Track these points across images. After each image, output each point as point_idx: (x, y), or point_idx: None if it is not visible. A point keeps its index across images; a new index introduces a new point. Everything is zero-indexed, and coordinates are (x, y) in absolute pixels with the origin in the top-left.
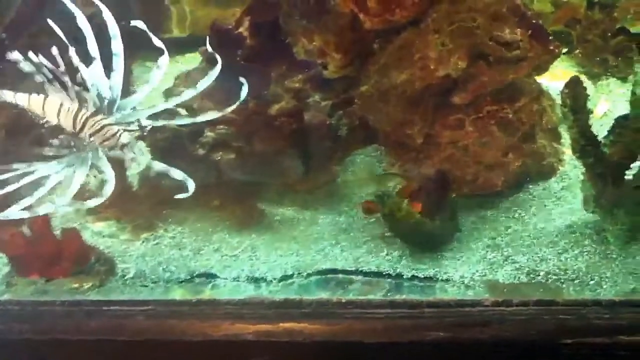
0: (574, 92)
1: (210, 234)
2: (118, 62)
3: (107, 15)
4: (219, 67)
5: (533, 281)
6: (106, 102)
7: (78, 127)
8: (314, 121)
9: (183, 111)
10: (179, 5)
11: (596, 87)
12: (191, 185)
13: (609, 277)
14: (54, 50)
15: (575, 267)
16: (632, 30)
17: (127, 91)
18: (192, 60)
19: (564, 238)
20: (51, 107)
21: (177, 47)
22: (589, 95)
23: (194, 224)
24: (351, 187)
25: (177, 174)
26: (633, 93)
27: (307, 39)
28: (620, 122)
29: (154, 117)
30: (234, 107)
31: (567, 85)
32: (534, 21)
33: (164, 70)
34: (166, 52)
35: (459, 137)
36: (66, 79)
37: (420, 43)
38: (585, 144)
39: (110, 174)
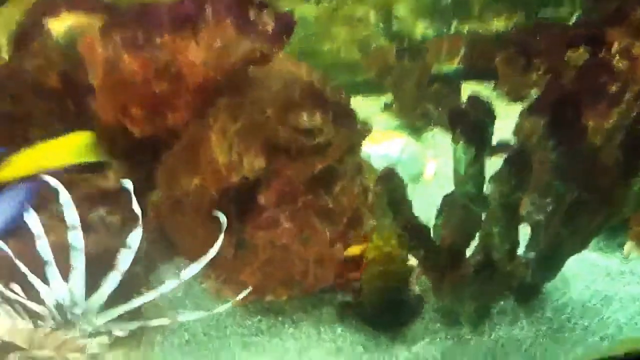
0: (390, 184)
1: None
2: (78, 258)
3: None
4: None
5: None
6: (68, 309)
7: (36, 346)
8: (103, 241)
9: None
10: None
11: (420, 141)
12: None
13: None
14: None
15: (430, 356)
16: (446, 69)
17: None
18: None
19: (417, 324)
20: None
21: None
22: (406, 185)
23: None
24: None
25: None
26: (456, 171)
27: None
28: (447, 201)
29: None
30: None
31: (380, 180)
32: (334, 101)
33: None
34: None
35: (277, 236)
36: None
37: (205, 146)
38: (412, 237)
39: None
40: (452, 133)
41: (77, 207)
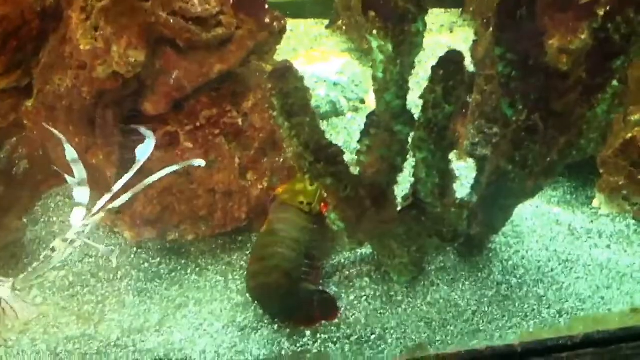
0: (283, 85)
1: None
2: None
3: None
4: None
5: (298, 345)
6: None
7: None
8: None
9: None
10: None
11: (367, 65)
12: None
13: (395, 327)
14: None
15: (352, 319)
16: None
17: None
18: None
19: (336, 278)
20: None
21: None
22: (308, 89)
23: None
24: (48, 241)
25: None
26: (374, 78)
27: None
28: (372, 121)
29: None
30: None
31: (271, 76)
32: None
33: None
34: None
35: (175, 159)
36: None
37: (69, 29)
38: (315, 159)
39: None
40: (365, 18)
41: None
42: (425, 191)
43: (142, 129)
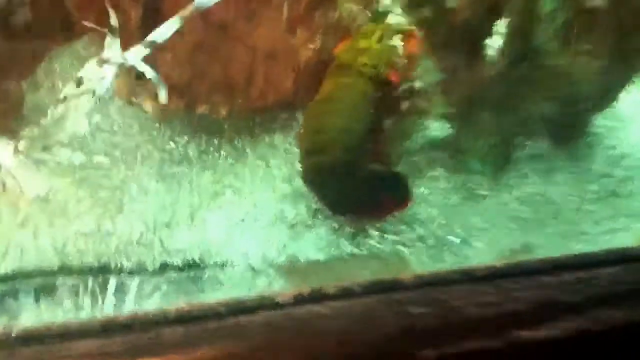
0: None
1: None
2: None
3: None
4: None
5: (362, 247)
6: None
7: None
8: None
9: None
10: None
11: None
12: None
13: (480, 229)
14: None
15: (425, 216)
16: None
17: None
18: None
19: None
20: None
21: None
22: None
23: None
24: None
25: None
26: None
27: None
28: None
29: None
30: None
31: None
32: None
33: None
34: None
35: (211, 13)
36: None
37: None
38: None
39: None
40: None
41: None
42: (546, 36)
43: None
